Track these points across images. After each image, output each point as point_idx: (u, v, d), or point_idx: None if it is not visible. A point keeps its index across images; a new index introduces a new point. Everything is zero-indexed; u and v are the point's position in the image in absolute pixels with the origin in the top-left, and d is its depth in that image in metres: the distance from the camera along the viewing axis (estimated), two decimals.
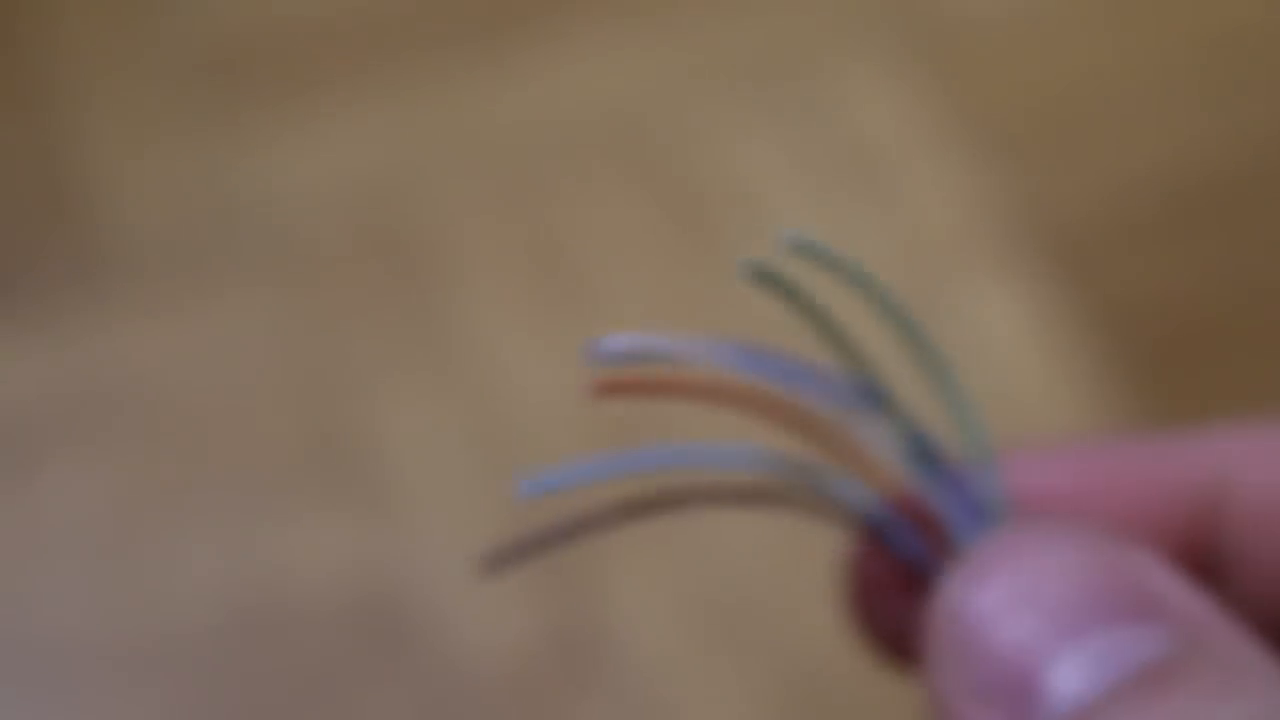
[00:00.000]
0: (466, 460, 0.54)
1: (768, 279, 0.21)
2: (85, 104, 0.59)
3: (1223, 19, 0.63)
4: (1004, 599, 0.22)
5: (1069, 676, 0.21)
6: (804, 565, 0.51)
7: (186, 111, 0.60)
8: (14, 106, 0.60)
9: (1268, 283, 0.59)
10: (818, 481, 0.24)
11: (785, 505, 0.24)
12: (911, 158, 0.60)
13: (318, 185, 0.58)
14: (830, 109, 0.60)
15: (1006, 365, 0.56)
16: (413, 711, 0.50)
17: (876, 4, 0.62)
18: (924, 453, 0.24)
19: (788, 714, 0.51)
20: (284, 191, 0.58)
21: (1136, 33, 0.63)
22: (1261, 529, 0.27)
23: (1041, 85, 0.62)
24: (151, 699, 0.51)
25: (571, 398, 0.55)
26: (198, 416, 0.55)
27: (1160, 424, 0.55)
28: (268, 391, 0.55)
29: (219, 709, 0.51)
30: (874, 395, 0.24)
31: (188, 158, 0.59)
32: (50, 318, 0.56)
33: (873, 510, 0.24)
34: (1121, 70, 0.62)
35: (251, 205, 0.58)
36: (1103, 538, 0.23)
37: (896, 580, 0.26)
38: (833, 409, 0.24)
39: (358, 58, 0.61)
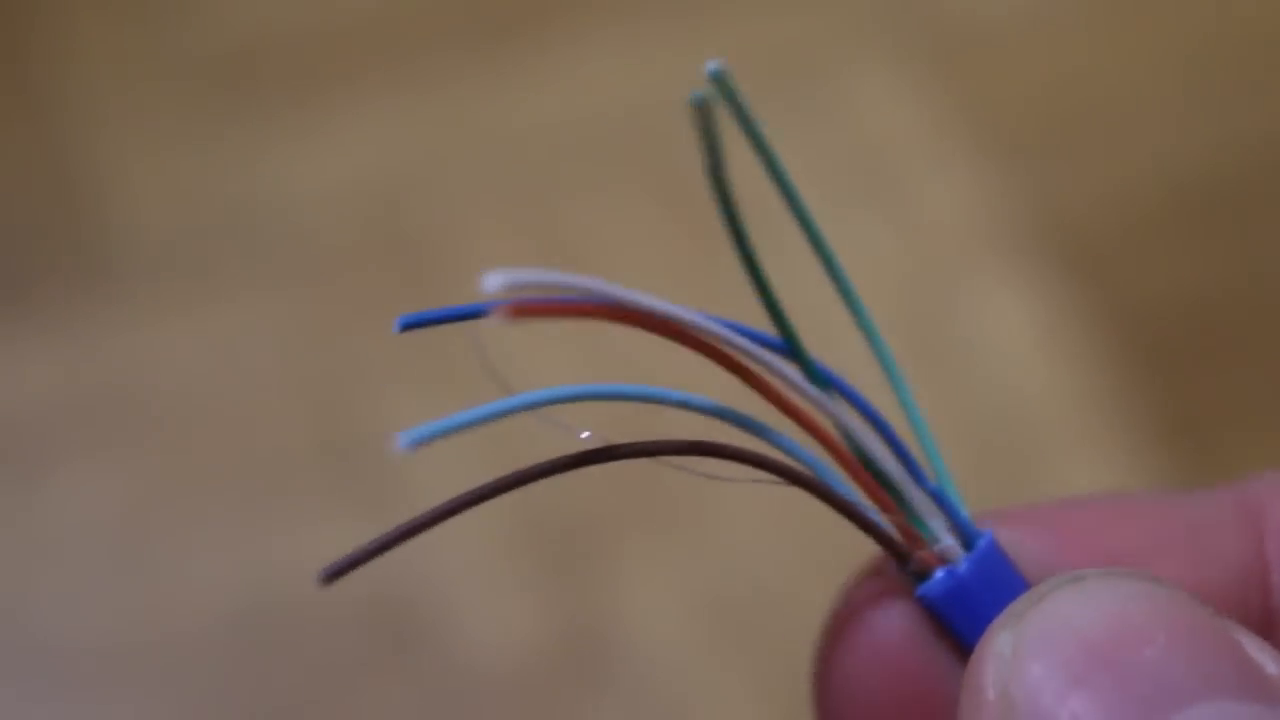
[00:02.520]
0: (474, 460, 0.54)
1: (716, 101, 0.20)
2: (97, 108, 0.60)
3: (1228, 19, 0.63)
4: (1082, 661, 0.19)
5: None
6: (813, 562, 0.51)
7: (197, 115, 0.60)
8: (27, 111, 0.60)
9: (1275, 280, 0.59)
10: (755, 428, 0.22)
11: (720, 457, 0.22)
12: (919, 160, 0.60)
13: (328, 188, 0.59)
14: (839, 112, 0.60)
15: (1014, 365, 0.56)
16: (422, 711, 0.50)
17: (885, 8, 0.62)
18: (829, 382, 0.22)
19: (796, 710, 0.51)
20: (294, 194, 0.58)
21: (1142, 34, 0.63)
22: None
23: (1048, 87, 0.62)
24: (161, 700, 0.51)
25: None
26: (207, 418, 0.55)
27: (1170, 420, 0.55)
28: (277, 393, 0.55)
29: (228, 709, 0.51)
30: (821, 376, 0.22)
31: (198, 161, 0.59)
32: (60, 320, 0.56)
33: (818, 468, 0.22)
34: (1128, 72, 0.62)
35: (262, 208, 0.58)
36: (1188, 594, 0.20)
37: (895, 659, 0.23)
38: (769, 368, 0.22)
39: (369, 61, 0.61)
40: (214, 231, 0.58)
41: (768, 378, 0.21)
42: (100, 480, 0.53)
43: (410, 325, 0.20)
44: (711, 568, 0.53)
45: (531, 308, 0.19)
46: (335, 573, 0.20)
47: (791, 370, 0.21)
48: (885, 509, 0.22)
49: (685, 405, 0.20)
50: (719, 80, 0.20)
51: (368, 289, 0.57)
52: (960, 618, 0.22)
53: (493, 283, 0.18)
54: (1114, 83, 0.62)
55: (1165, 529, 0.23)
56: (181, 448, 0.54)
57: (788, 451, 0.22)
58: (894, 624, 0.23)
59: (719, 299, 0.55)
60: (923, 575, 0.22)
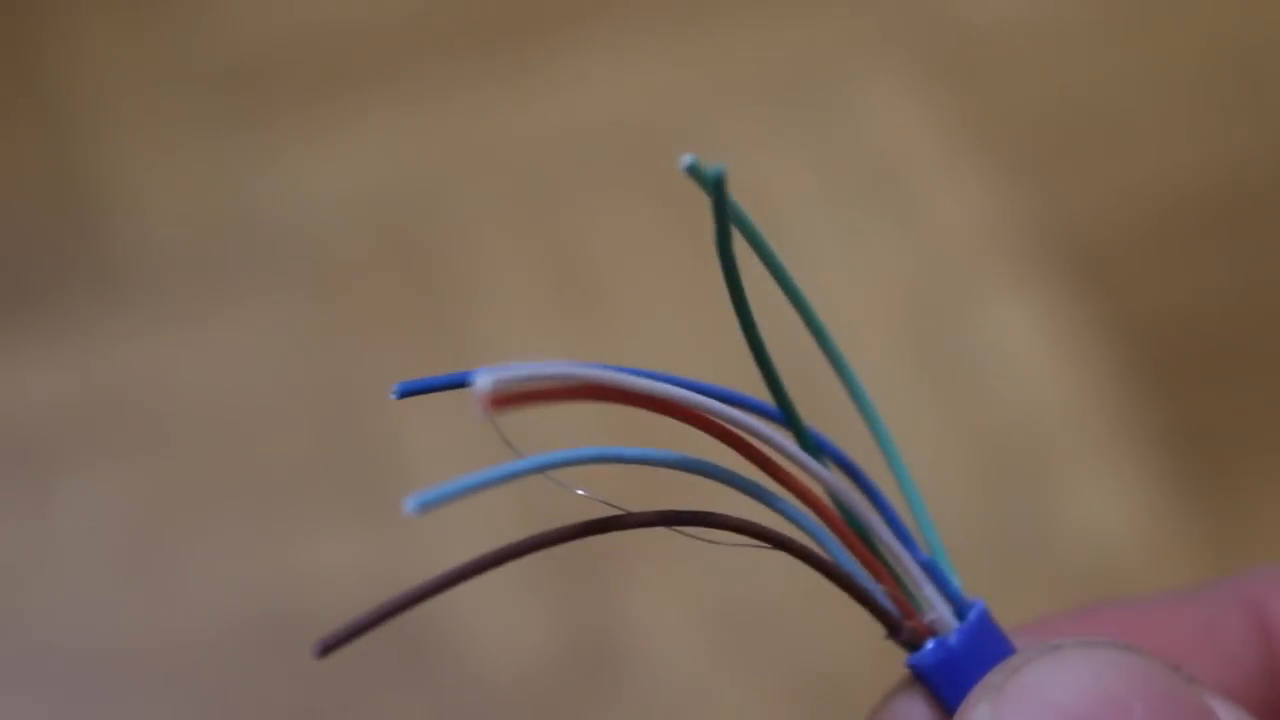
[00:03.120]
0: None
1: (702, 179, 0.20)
2: (106, 117, 0.60)
3: (1237, 31, 0.63)
4: None
5: None
6: (822, 577, 0.51)
7: (206, 123, 0.60)
8: (36, 119, 0.60)
9: None
10: (755, 493, 0.22)
11: (722, 528, 0.22)
12: (929, 171, 0.60)
13: (337, 196, 0.59)
14: (848, 123, 0.60)
15: (1024, 376, 0.56)
16: None
17: (895, 19, 0.63)
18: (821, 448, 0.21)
19: None
20: (303, 203, 0.59)
21: (1152, 46, 0.63)
22: None
23: (1057, 98, 0.62)
24: (169, 707, 0.51)
25: (589, 408, 0.55)
26: (215, 427, 0.55)
27: (1178, 431, 0.55)
28: (287, 402, 0.55)
29: (237, 717, 0.51)
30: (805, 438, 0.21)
31: (208, 169, 0.59)
32: (70, 328, 0.56)
33: (817, 535, 0.22)
34: (1136, 83, 0.62)
35: (271, 216, 0.58)
36: (1165, 665, 0.20)
37: None
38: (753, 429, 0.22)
39: (377, 71, 0.61)
40: (223, 240, 0.58)
41: (760, 445, 0.21)
42: (109, 489, 0.53)
43: (408, 393, 0.21)
44: (721, 579, 0.53)
45: (513, 397, 0.19)
46: (331, 646, 0.19)
47: (785, 438, 0.21)
48: (878, 577, 0.22)
49: (684, 468, 0.21)
50: (717, 182, 0.20)
51: (376, 298, 0.57)
52: (950, 688, 0.22)
53: (483, 383, 0.18)
54: (1122, 94, 0.62)
55: (1181, 631, 0.23)
56: (190, 456, 0.54)
57: (786, 516, 0.21)
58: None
59: (722, 309, 0.55)
60: (914, 645, 0.22)
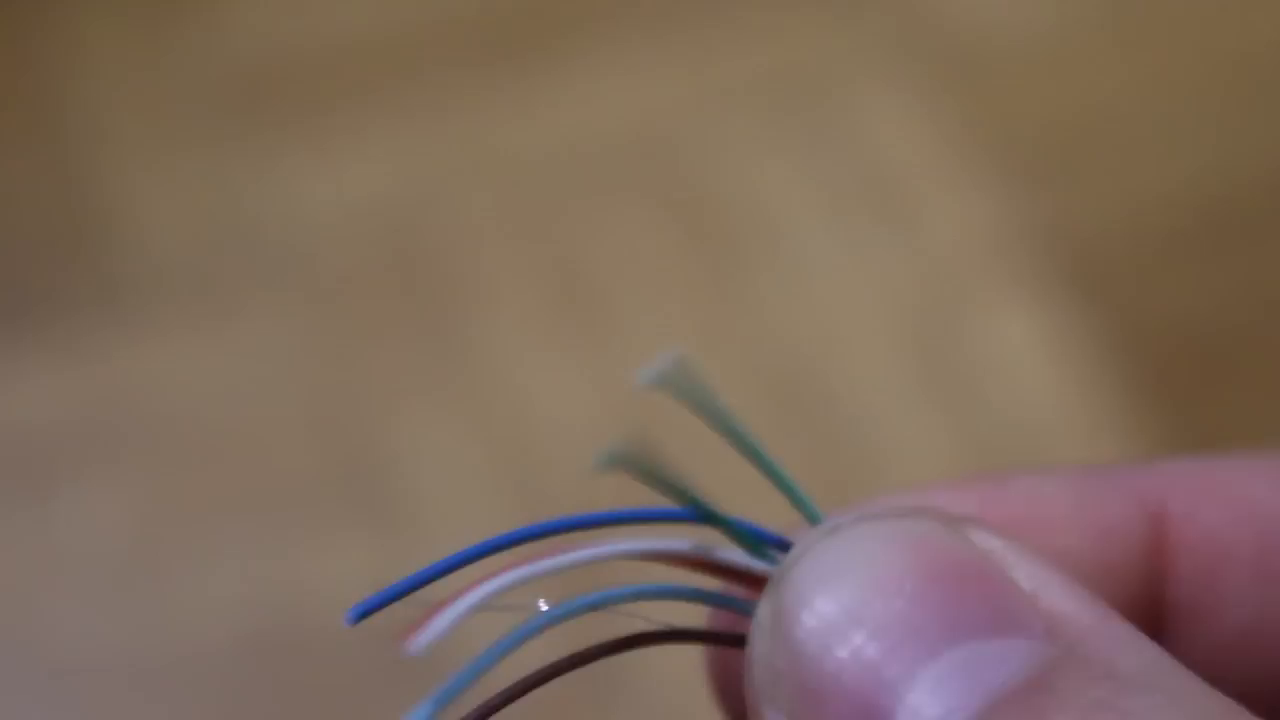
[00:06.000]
0: (486, 478, 0.54)
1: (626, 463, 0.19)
2: (106, 129, 0.60)
3: (1238, 41, 0.63)
4: (832, 619, 0.18)
5: (919, 709, 0.18)
6: None
7: (206, 133, 0.60)
8: (35, 129, 0.60)
9: None
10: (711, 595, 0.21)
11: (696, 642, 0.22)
12: (930, 180, 0.60)
13: (338, 206, 0.59)
14: (850, 132, 0.61)
15: (1025, 386, 0.56)
16: None
17: (896, 30, 0.63)
18: (762, 540, 0.20)
19: None
20: (304, 212, 0.59)
21: (1153, 56, 0.63)
22: (1207, 576, 0.22)
23: (1059, 108, 0.62)
24: (172, 716, 0.51)
25: (590, 417, 0.55)
26: (218, 436, 0.55)
27: (1180, 443, 0.55)
28: (288, 411, 0.55)
29: None
30: (698, 514, 0.20)
31: (208, 179, 0.59)
32: (71, 337, 0.56)
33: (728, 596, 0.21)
34: (1138, 93, 0.62)
35: (271, 226, 0.58)
36: (945, 528, 0.19)
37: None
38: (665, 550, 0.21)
39: (377, 80, 0.61)
40: (224, 251, 0.58)
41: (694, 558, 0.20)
42: (110, 499, 0.53)
43: (362, 615, 0.20)
44: None
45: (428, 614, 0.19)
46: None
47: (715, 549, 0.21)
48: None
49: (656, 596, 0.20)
50: (673, 377, 0.19)
51: (377, 308, 0.57)
52: None
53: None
54: (1125, 106, 0.62)
55: (1055, 500, 0.23)
56: (191, 466, 0.54)
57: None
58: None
59: (725, 316, 0.55)
60: None
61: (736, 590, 0.20)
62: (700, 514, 0.20)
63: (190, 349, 0.56)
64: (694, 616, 0.22)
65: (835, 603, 0.18)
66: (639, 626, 0.21)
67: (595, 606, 0.21)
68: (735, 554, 0.20)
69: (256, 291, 0.57)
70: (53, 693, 0.51)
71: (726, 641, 0.21)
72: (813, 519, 0.20)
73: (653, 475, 0.19)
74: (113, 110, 0.60)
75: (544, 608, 0.20)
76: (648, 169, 0.60)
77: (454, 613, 0.19)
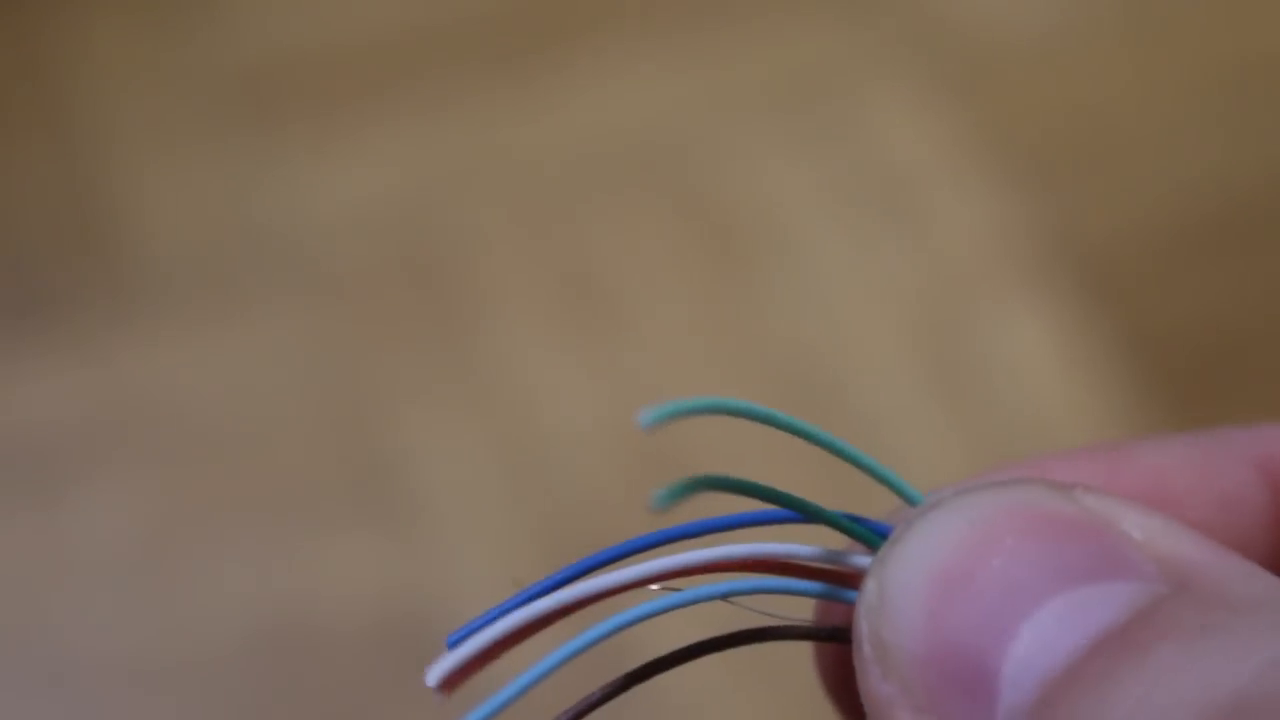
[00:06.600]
0: (495, 480, 0.54)
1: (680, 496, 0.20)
2: (113, 127, 0.60)
3: (1247, 46, 0.63)
4: (935, 585, 0.18)
5: (1025, 659, 0.18)
6: None
7: (214, 133, 0.60)
8: (43, 129, 0.60)
9: None
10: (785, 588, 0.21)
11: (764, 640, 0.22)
12: (940, 183, 0.60)
13: (346, 206, 0.59)
14: (859, 135, 0.60)
15: (1034, 388, 0.56)
16: None
17: (905, 32, 0.63)
18: (860, 527, 0.20)
19: None
20: (312, 213, 0.59)
21: (1163, 59, 0.63)
22: None
23: (1069, 111, 0.62)
24: (182, 715, 0.51)
25: (599, 419, 0.55)
26: (226, 436, 0.55)
27: None
28: (297, 411, 0.55)
29: None
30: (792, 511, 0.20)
31: (216, 179, 0.59)
32: (78, 337, 0.56)
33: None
34: (1148, 96, 0.62)
35: (279, 226, 0.58)
36: (1048, 490, 0.19)
37: None
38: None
39: (385, 81, 0.61)
40: (231, 250, 0.58)
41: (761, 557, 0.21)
42: (118, 500, 0.53)
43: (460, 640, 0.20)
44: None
45: (474, 665, 0.19)
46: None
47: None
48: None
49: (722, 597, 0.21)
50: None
51: (385, 307, 0.57)
52: None
53: (433, 678, 0.18)
54: (1136, 109, 0.62)
55: (1171, 473, 0.22)
56: (199, 466, 0.54)
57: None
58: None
59: (734, 317, 0.55)
60: None
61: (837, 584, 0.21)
62: (804, 512, 0.20)
63: (198, 349, 0.56)
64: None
65: (937, 569, 0.19)
66: (755, 620, 0.21)
67: (716, 597, 0.21)
68: (814, 551, 0.21)
69: (264, 292, 0.57)
70: (58, 692, 0.51)
71: (840, 638, 0.21)
72: (911, 500, 0.20)
73: (727, 485, 0.19)
74: (121, 111, 0.60)
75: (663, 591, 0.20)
76: (657, 170, 0.60)
77: (497, 630, 0.19)
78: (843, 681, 0.23)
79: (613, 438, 0.54)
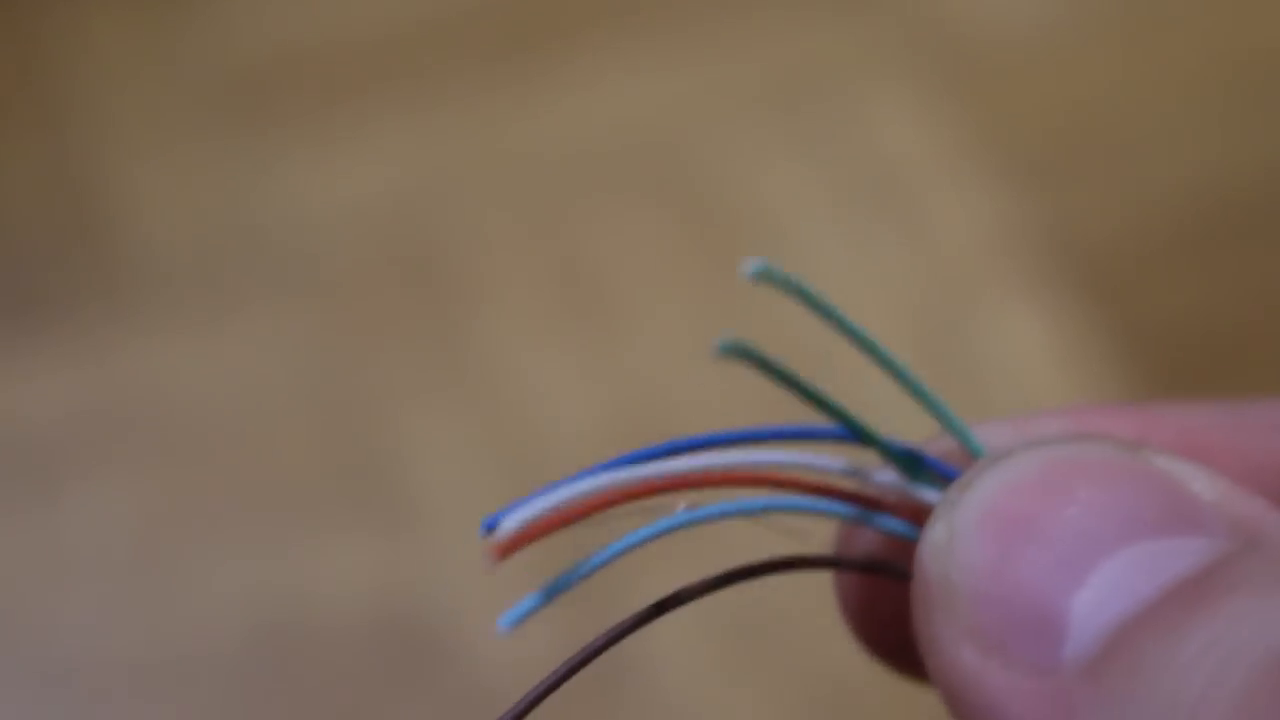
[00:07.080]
0: (492, 479, 0.54)
1: (742, 354, 0.20)
2: (110, 128, 0.60)
3: (1244, 42, 0.63)
4: (1007, 532, 0.19)
5: (1094, 604, 0.18)
6: (829, 581, 0.51)
7: (210, 131, 0.60)
8: (39, 126, 0.60)
9: None
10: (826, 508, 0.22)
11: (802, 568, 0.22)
12: (936, 180, 0.60)
13: (342, 204, 0.59)
14: (856, 133, 0.60)
15: (1031, 385, 0.56)
16: None
17: (901, 29, 0.63)
18: (912, 460, 0.21)
19: None
20: (308, 210, 0.59)
21: (1159, 56, 0.63)
22: None
23: (1065, 108, 0.62)
24: (177, 715, 0.51)
25: (596, 417, 0.55)
26: (221, 435, 0.55)
27: None
28: (292, 410, 0.55)
29: None
30: (845, 432, 0.21)
31: (211, 177, 0.59)
32: (73, 336, 0.56)
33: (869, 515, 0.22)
34: (1144, 93, 0.62)
35: (275, 224, 0.58)
36: (1120, 448, 0.20)
37: (887, 589, 0.23)
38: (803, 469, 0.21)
39: (381, 79, 0.61)
40: (227, 249, 0.58)
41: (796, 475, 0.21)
42: (115, 498, 0.53)
43: (492, 527, 0.20)
44: (727, 591, 0.52)
45: (530, 534, 0.19)
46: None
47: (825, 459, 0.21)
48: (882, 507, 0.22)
49: (738, 513, 0.21)
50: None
51: (381, 306, 0.57)
52: None
53: (503, 529, 0.18)
54: (1133, 106, 0.62)
55: (1206, 433, 0.23)
56: (196, 465, 0.54)
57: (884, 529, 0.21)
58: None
59: (730, 314, 0.55)
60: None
61: (871, 509, 0.21)
62: (859, 434, 0.21)
63: (195, 347, 0.56)
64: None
65: (1010, 515, 0.19)
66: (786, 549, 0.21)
67: (731, 515, 0.21)
68: (886, 477, 0.21)
69: (260, 290, 0.57)
70: (56, 690, 0.51)
71: (882, 571, 0.21)
72: (977, 453, 0.21)
73: (780, 375, 0.19)
74: (118, 109, 0.60)
75: (681, 509, 0.21)
76: (653, 168, 0.60)
77: (545, 501, 0.19)
78: (868, 610, 0.24)
79: (610, 436, 0.54)
